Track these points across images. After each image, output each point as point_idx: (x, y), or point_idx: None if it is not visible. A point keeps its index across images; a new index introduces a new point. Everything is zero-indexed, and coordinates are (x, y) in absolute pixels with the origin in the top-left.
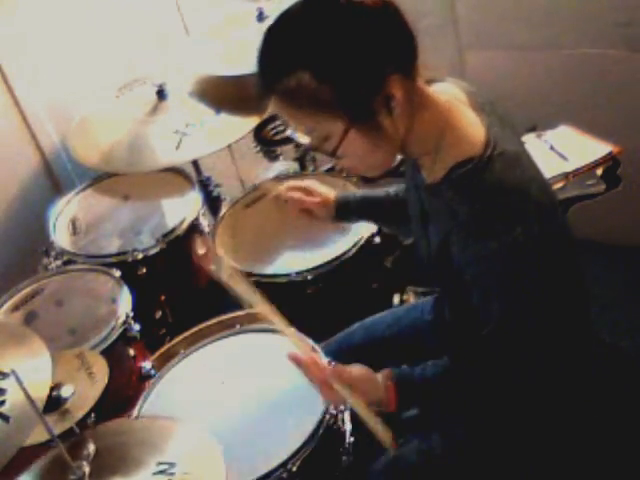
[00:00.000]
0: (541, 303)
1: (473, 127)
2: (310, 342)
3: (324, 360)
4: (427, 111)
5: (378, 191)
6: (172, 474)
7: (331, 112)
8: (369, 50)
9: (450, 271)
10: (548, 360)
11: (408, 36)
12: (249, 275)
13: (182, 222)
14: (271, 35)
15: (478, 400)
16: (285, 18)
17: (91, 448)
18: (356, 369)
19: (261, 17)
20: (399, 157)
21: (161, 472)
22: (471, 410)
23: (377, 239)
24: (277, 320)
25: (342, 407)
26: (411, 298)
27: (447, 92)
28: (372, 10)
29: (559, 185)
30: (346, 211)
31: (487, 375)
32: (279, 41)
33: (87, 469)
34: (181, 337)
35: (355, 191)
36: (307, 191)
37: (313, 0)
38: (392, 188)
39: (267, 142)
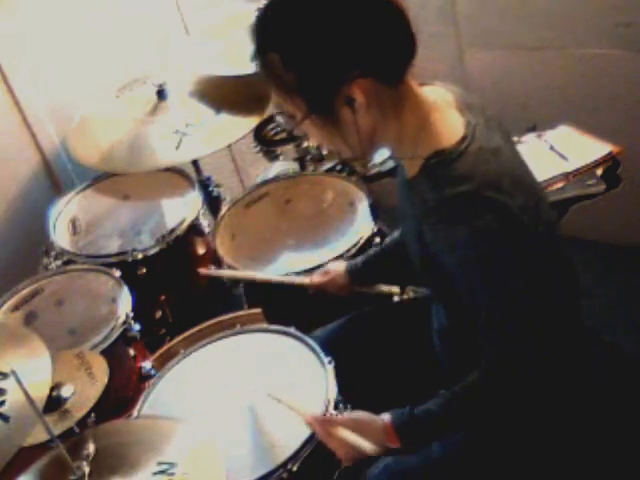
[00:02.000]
0: (523, 291)
1: (452, 124)
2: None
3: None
4: (411, 110)
5: (384, 244)
6: (172, 474)
7: (294, 96)
8: (337, 49)
9: (431, 265)
10: (542, 357)
11: (398, 40)
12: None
13: (182, 222)
14: (259, 12)
15: (482, 415)
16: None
17: (91, 448)
18: (350, 415)
19: None
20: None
21: (161, 472)
22: (479, 424)
23: (377, 239)
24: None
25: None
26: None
27: (435, 94)
28: (362, 6)
29: (559, 185)
30: (358, 273)
31: (486, 383)
32: (262, 20)
33: (87, 469)
34: (181, 337)
35: (363, 255)
36: (324, 272)
37: None
38: (396, 233)
39: (267, 142)
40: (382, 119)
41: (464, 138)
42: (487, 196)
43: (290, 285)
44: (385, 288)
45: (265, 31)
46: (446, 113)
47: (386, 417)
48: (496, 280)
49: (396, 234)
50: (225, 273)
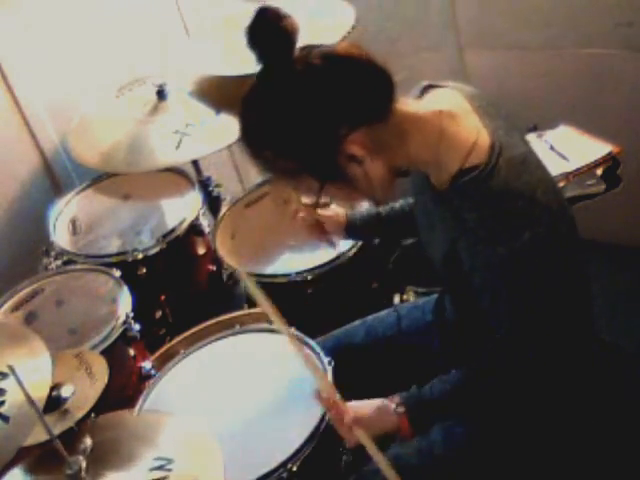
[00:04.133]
0: (550, 306)
1: (473, 132)
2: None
3: (339, 399)
4: (418, 132)
5: (386, 207)
6: (169, 470)
7: (300, 177)
8: (318, 122)
9: (459, 276)
10: (552, 360)
11: (371, 84)
12: (249, 275)
13: (182, 222)
14: (240, 120)
15: (489, 406)
16: (247, 102)
17: (87, 442)
18: (367, 405)
19: None
20: None
21: (158, 467)
22: (485, 415)
23: (377, 239)
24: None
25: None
26: (411, 298)
27: (442, 101)
28: (316, 75)
29: (559, 185)
30: (355, 228)
31: (496, 379)
32: (243, 127)
33: (83, 463)
34: (181, 337)
35: (364, 210)
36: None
37: (262, 76)
38: (398, 203)
39: None
40: (390, 156)
41: (492, 148)
42: (524, 213)
43: (280, 276)
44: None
45: (249, 136)
46: (462, 121)
47: (399, 409)
48: (524, 297)
49: (404, 204)
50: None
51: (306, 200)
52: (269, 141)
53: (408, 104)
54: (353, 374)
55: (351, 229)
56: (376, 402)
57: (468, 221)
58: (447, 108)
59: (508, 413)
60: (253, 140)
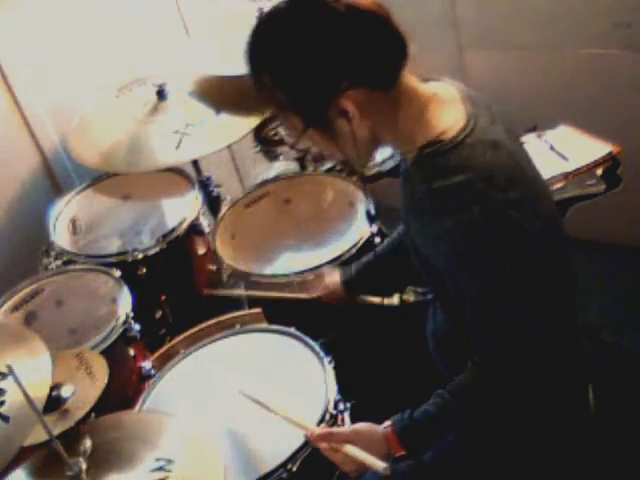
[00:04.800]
0: (512, 287)
1: (453, 116)
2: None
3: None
4: (406, 107)
5: (378, 249)
6: (169, 471)
7: (288, 113)
8: (323, 65)
9: (419, 258)
10: (531, 350)
11: (385, 47)
12: (249, 275)
13: (182, 222)
14: (252, 33)
15: (479, 412)
16: (264, 18)
17: (88, 444)
18: (350, 427)
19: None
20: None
21: (159, 468)
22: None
23: (377, 239)
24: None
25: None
26: (411, 298)
27: (438, 89)
28: (337, 19)
29: (559, 185)
30: (354, 288)
31: (479, 378)
32: (252, 42)
33: (84, 465)
34: (181, 337)
35: (356, 264)
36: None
37: (293, 3)
38: (389, 240)
39: (267, 142)
40: (379, 123)
41: (462, 129)
42: (476, 189)
43: (280, 276)
44: (380, 300)
45: (254, 53)
46: (447, 105)
47: (386, 425)
48: (480, 274)
49: (394, 235)
50: (226, 292)
51: (287, 140)
52: (271, 67)
53: (412, 80)
54: (352, 374)
55: (350, 287)
56: (361, 425)
57: (418, 192)
58: (439, 94)
59: (499, 417)
60: (256, 60)
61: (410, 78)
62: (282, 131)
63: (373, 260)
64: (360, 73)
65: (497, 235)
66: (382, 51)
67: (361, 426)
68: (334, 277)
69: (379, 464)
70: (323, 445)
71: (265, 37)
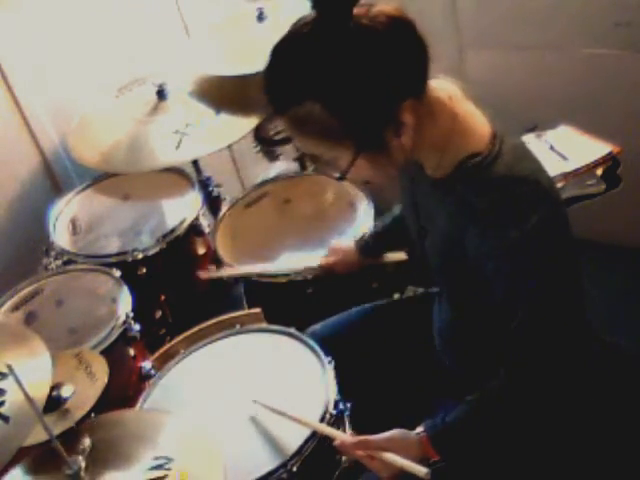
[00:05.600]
0: (564, 287)
1: (478, 120)
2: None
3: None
4: (435, 115)
5: (387, 218)
6: (169, 469)
7: (340, 141)
8: (381, 80)
9: (461, 268)
10: (567, 357)
11: (421, 53)
12: (249, 275)
13: (182, 222)
14: (278, 59)
15: (510, 417)
16: (292, 41)
17: (87, 442)
18: (385, 434)
19: (261, 17)
20: None
21: (157, 467)
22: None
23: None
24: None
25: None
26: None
27: (447, 88)
28: (383, 33)
29: (559, 185)
30: (368, 250)
31: (512, 385)
32: (287, 68)
33: (83, 463)
34: (181, 337)
35: (370, 231)
36: (332, 251)
37: (321, 23)
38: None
39: (267, 142)
40: (421, 132)
41: (494, 136)
42: (531, 196)
43: (298, 274)
44: (393, 256)
45: (296, 82)
46: (467, 109)
47: (420, 430)
48: (538, 281)
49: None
50: (225, 272)
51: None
52: (322, 92)
53: (431, 86)
54: (352, 373)
55: (365, 250)
56: (394, 431)
57: (476, 206)
58: (453, 94)
59: (527, 422)
60: (300, 87)
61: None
62: (323, 164)
63: (388, 226)
64: (410, 83)
65: (553, 238)
66: (417, 57)
67: (394, 432)
68: (346, 243)
69: (420, 469)
70: (359, 453)
71: (306, 61)
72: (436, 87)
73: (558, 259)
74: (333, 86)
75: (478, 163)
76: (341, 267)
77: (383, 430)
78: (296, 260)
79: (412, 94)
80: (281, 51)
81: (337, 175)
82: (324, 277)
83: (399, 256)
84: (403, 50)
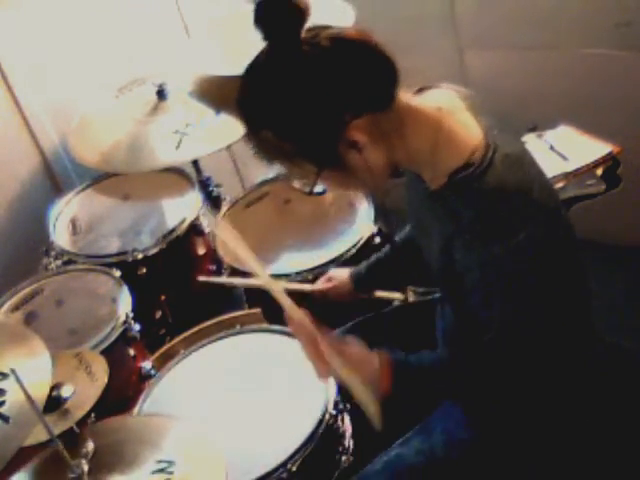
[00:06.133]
0: (544, 306)
1: (469, 130)
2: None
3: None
4: (416, 125)
5: (384, 250)
6: (171, 472)
7: (298, 161)
8: (322, 106)
9: (452, 277)
10: (551, 360)
11: (376, 71)
12: (249, 275)
13: (182, 222)
14: (239, 91)
15: (472, 395)
16: (247, 73)
17: (90, 446)
18: (353, 346)
19: None
20: None
21: (160, 470)
22: (465, 404)
23: (377, 239)
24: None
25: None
26: (411, 298)
27: (440, 99)
28: (323, 56)
29: (559, 185)
30: (363, 283)
31: (486, 374)
32: (243, 100)
33: (86, 467)
34: (181, 337)
35: (367, 262)
36: (327, 278)
37: (269, 53)
38: (402, 234)
39: None
40: (391, 145)
41: (487, 146)
42: (520, 212)
43: (292, 291)
44: (387, 294)
45: (249, 113)
46: (459, 119)
47: (383, 354)
48: (518, 296)
49: (402, 235)
50: (225, 280)
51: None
52: (269, 121)
53: (409, 98)
54: None
55: (358, 283)
56: (361, 346)
57: (464, 218)
58: (445, 105)
59: (504, 412)
60: (252, 119)
61: (406, 94)
62: (296, 183)
63: (383, 258)
64: (359, 102)
65: (537, 258)
66: (376, 76)
67: (358, 348)
68: (342, 272)
69: (357, 385)
70: (304, 339)
71: (256, 94)
72: (426, 99)
73: (541, 279)
74: (278, 113)
75: (469, 175)
76: (334, 296)
77: (385, 436)
78: (289, 272)
79: (361, 112)
80: (241, 83)
81: (307, 190)
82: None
83: (392, 295)
84: (346, 71)
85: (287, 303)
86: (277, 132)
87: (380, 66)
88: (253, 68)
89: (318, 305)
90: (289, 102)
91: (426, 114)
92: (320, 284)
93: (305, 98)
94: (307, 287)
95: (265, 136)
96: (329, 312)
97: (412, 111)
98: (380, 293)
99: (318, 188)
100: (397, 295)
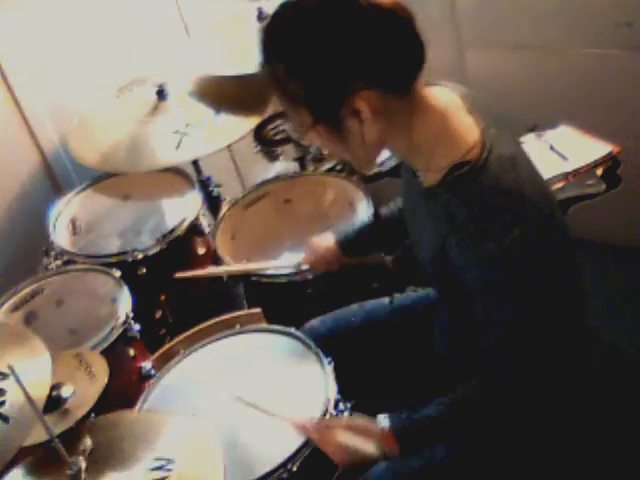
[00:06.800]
0: (544, 305)
1: (468, 130)
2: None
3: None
4: (423, 116)
5: (379, 216)
6: (169, 470)
7: (299, 106)
8: (340, 61)
9: (449, 275)
10: (549, 361)
11: (404, 51)
12: (249, 275)
13: (182, 222)
14: (266, 23)
15: (479, 422)
16: (284, 7)
17: (88, 443)
18: (346, 420)
19: (261, 17)
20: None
21: (158, 468)
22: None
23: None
24: None
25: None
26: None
27: (443, 97)
28: (366, 19)
29: (559, 185)
30: (350, 248)
31: (490, 389)
32: (268, 30)
33: (83, 464)
34: (181, 337)
35: (350, 228)
36: (311, 249)
37: None
38: (386, 208)
39: (267, 142)
40: (391, 130)
41: (483, 146)
42: (513, 210)
43: (280, 276)
44: (375, 259)
45: (271, 42)
46: (459, 118)
47: (384, 422)
48: (514, 297)
49: (392, 206)
50: (203, 272)
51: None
52: (287, 56)
53: (425, 89)
54: (350, 357)
55: (346, 247)
56: (359, 419)
57: (457, 216)
58: (449, 104)
59: (509, 420)
60: (272, 49)
61: (423, 86)
62: (288, 126)
63: (373, 223)
64: (376, 74)
65: (533, 254)
66: (400, 54)
67: (357, 419)
68: (327, 240)
69: (368, 447)
70: (315, 435)
71: (284, 27)
72: (435, 95)
73: (538, 276)
74: (296, 52)
75: (463, 174)
76: (320, 266)
77: None
78: (289, 279)
79: (375, 86)
80: (274, 12)
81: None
82: (325, 277)
83: (380, 259)
84: (373, 38)
85: (286, 418)
86: (289, 69)
87: (408, 48)
88: (292, 3)
89: (316, 302)
90: (312, 45)
91: (435, 109)
92: (305, 259)
93: (327, 47)
94: (293, 269)
95: (276, 70)
96: (327, 309)
97: (423, 103)
98: (368, 258)
99: (328, 164)
100: (387, 258)
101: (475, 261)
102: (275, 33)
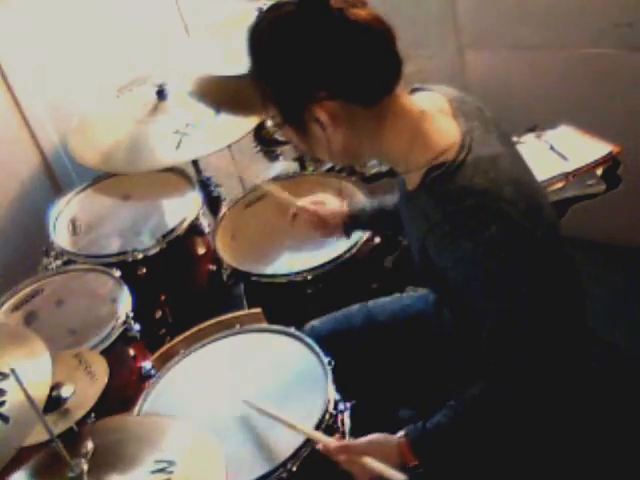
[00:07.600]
0: (532, 299)
1: (447, 134)
2: None
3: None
4: (395, 125)
5: (388, 201)
6: (171, 472)
7: (270, 104)
8: (304, 70)
9: (435, 276)
10: (548, 360)
11: (376, 63)
12: (249, 275)
13: (182, 222)
14: (253, 22)
15: (491, 424)
16: (266, 11)
17: (89, 445)
18: (366, 439)
19: None
20: None
21: (160, 470)
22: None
23: (377, 239)
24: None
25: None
26: None
27: (426, 103)
28: (339, 32)
29: (559, 185)
30: (358, 220)
31: (491, 393)
32: (250, 30)
33: (85, 466)
34: (181, 337)
35: (368, 202)
36: (320, 203)
37: (299, 1)
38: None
39: (267, 142)
40: (357, 136)
41: (461, 148)
42: (489, 208)
43: (280, 276)
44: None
45: (249, 41)
46: (438, 122)
47: (400, 435)
48: (500, 294)
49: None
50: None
51: (304, 203)
52: (260, 58)
53: (403, 97)
54: (351, 358)
55: (355, 219)
56: (374, 436)
57: (433, 217)
58: (428, 109)
59: (512, 420)
60: (252, 49)
61: (402, 95)
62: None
63: (385, 209)
64: (341, 86)
65: (514, 250)
66: (371, 68)
67: (376, 437)
68: (331, 200)
69: (397, 475)
70: (342, 458)
71: (260, 29)
72: (414, 101)
73: (521, 270)
74: (268, 54)
75: (438, 175)
76: (317, 223)
77: (383, 430)
78: (289, 272)
79: (338, 96)
80: (259, 14)
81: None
82: (325, 277)
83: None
84: (339, 51)
85: (319, 437)
86: (260, 69)
87: (383, 65)
88: (276, 5)
89: (316, 302)
90: (280, 50)
91: (408, 117)
92: (308, 204)
93: (294, 55)
94: (294, 201)
95: (252, 68)
96: (327, 309)
97: (396, 112)
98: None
99: (328, 164)
100: (387, 259)
101: (454, 261)
102: (252, 34)
